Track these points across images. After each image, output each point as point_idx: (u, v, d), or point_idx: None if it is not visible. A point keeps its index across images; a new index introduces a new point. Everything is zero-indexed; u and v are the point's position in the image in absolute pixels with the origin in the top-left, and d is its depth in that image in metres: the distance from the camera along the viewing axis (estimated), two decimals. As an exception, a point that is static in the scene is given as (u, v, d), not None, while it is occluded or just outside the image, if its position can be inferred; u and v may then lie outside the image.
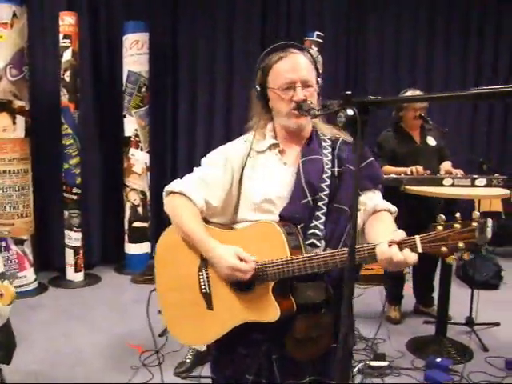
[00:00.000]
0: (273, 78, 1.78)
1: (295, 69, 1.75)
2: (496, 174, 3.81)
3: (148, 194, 5.61)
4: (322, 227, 1.73)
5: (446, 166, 4.07)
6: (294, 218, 1.72)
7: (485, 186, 3.75)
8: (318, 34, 5.75)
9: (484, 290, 4.22)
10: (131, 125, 5.44)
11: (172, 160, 6.09)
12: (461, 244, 1.43)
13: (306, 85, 1.75)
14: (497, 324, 4.18)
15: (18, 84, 4.76)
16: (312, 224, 1.73)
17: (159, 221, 5.92)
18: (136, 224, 5.57)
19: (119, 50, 5.45)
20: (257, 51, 5.71)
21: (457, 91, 1.19)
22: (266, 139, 1.85)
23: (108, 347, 3.84)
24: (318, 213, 1.74)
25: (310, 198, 1.75)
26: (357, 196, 1.29)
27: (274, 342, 1.76)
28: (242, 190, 1.82)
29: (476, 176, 3.79)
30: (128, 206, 5.56)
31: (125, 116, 5.46)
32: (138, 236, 5.59)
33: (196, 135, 6.08)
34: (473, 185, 3.76)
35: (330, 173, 1.78)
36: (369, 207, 1.81)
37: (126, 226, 5.59)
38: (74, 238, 5.16)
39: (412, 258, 1.47)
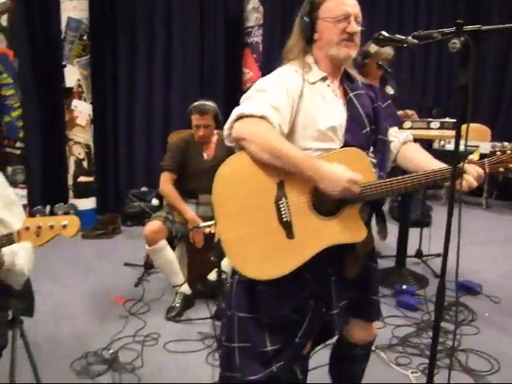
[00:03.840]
0: (328, 9, 1.84)
1: (351, 4, 1.85)
2: (447, 118, 4.17)
3: (92, 147, 5.43)
4: (373, 155, 1.90)
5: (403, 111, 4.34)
6: (359, 146, 1.85)
7: (438, 128, 4.10)
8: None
9: (417, 228, 4.62)
10: (73, 75, 5.20)
11: (113, 111, 5.91)
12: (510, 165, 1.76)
13: (357, 21, 1.86)
14: (439, 255, 4.62)
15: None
16: (369, 152, 1.89)
17: (103, 175, 5.81)
18: (81, 179, 5.40)
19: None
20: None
21: None
22: (313, 71, 1.90)
23: (87, 302, 3.78)
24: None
25: (368, 129, 1.90)
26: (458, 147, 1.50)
27: (336, 264, 1.89)
28: (300, 118, 1.83)
29: (430, 119, 4.12)
30: (72, 160, 5.36)
31: (65, 66, 5.20)
32: (83, 191, 5.43)
33: (137, 85, 5.94)
34: (428, 127, 4.09)
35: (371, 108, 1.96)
36: (401, 139, 2.03)
37: (71, 181, 5.40)
38: (20, 195, 4.91)
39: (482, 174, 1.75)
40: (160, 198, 5.70)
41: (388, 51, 3.95)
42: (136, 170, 6.06)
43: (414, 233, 4.50)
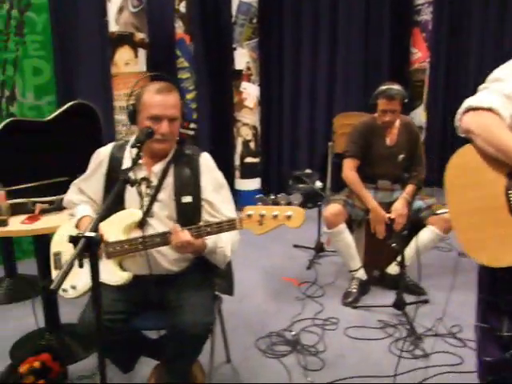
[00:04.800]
0: None
1: None
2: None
3: (259, 128, 5.51)
4: None
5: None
6: None
7: None
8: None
9: None
10: (243, 57, 5.29)
11: (278, 93, 5.94)
12: None
13: None
14: None
15: (138, 16, 4.61)
16: None
17: (267, 156, 5.88)
18: (248, 159, 5.51)
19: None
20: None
21: None
22: None
23: (262, 281, 3.85)
24: None
25: None
26: None
27: None
28: None
29: None
30: (239, 141, 5.48)
31: (235, 48, 5.30)
32: (249, 172, 5.54)
33: (301, 68, 5.91)
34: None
35: None
36: None
37: (238, 162, 5.53)
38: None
39: None
40: (323, 180, 5.69)
41: None
42: (299, 151, 6.06)
43: None
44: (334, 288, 3.70)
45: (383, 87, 3.42)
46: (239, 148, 5.51)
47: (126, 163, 2.13)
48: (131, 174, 1.82)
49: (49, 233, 2.48)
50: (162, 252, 2.12)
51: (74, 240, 1.39)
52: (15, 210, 2.55)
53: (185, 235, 1.94)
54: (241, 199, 5.57)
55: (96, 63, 4.91)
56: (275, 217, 1.84)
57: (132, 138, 2.20)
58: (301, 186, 5.60)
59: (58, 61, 4.43)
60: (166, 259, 2.13)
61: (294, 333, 3.04)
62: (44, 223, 2.52)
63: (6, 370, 2.54)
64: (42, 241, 2.60)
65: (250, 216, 1.87)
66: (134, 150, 1.90)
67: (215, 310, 2.28)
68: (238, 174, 5.56)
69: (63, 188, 2.51)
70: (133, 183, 1.81)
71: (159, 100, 2.03)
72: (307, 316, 3.28)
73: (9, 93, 3.95)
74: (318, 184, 5.60)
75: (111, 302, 2.08)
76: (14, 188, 2.67)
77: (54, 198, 2.66)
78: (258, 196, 1.94)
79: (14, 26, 3.92)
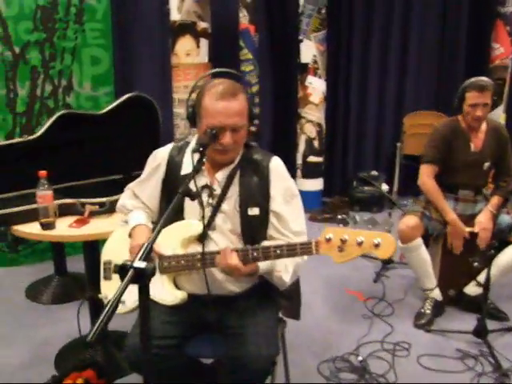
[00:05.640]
0: None
1: None
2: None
3: (324, 126, 5.19)
4: None
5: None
6: None
7: None
8: None
9: None
10: (309, 50, 4.97)
11: (345, 89, 5.59)
12: None
13: None
14: None
15: (201, 4, 4.37)
16: None
17: (331, 155, 5.56)
18: (311, 158, 5.20)
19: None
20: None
21: None
22: None
23: (324, 292, 3.55)
24: None
25: None
26: None
27: None
28: None
29: None
30: (303, 138, 5.17)
31: (301, 40, 4.98)
32: (311, 171, 5.23)
33: (370, 63, 5.52)
34: None
35: None
36: None
37: (300, 161, 5.23)
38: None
39: None
40: (390, 183, 5.33)
41: None
42: (365, 152, 5.68)
43: None
44: (404, 306, 3.35)
45: (471, 79, 3.05)
46: (302, 146, 5.20)
47: (186, 169, 1.88)
48: (192, 184, 1.55)
49: (98, 239, 2.28)
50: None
51: (121, 270, 1.14)
52: (62, 211, 2.34)
53: (231, 258, 1.68)
54: (303, 200, 5.27)
55: (156, 53, 4.71)
56: (360, 244, 1.54)
57: (193, 140, 1.94)
58: (366, 188, 5.27)
59: (117, 50, 4.24)
60: (227, 278, 1.87)
61: (360, 358, 2.73)
62: (93, 228, 2.31)
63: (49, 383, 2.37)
64: (91, 246, 2.39)
65: (330, 240, 1.58)
66: (196, 156, 1.64)
67: (279, 336, 2.00)
68: (299, 173, 5.26)
69: (116, 188, 2.29)
70: (194, 197, 1.55)
71: (221, 107, 1.74)
72: (375, 338, 2.96)
73: (66, 82, 3.78)
74: (385, 187, 5.25)
75: (162, 324, 1.84)
76: (62, 186, 2.47)
77: (104, 199, 2.42)
78: (339, 217, 1.64)
79: (74, 13, 3.75)
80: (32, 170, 2.23)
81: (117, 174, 2.87)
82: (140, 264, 1.13)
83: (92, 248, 2.38)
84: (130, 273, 1.13)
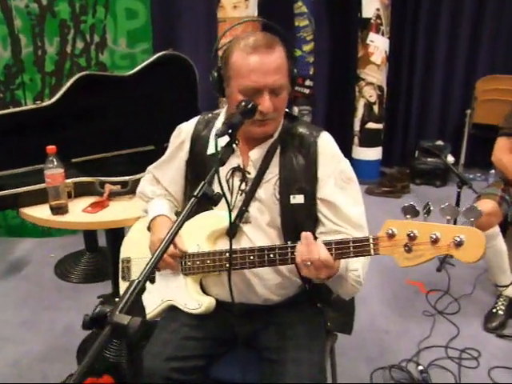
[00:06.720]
0: None
1: None
2: None
3: (385, 89, 4.68)
4: None
5: None
6: None
7: None
8: None
9: None
10: (372, 3, 4.43)
11: (410, 49, 5.03)
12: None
13: None
14: None
15: (251, -51, 3.92)
16: None
17: (392, 122, 5.07)
18: (370, 125, 4.73)
19: None
20: None
21: None
22: None
23: (382, 279, 3.13)
24: None
25: None
26: None
27: None
28: None
29: None
30: (362, 103, 4.69)
31: (364, -7, 4.46)
32: (370, 139, 4.77)
33: (439, 19, 4.92)
34: None
35: None
36: None
37: (357, 127, 4.77)
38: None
39: None
40: (456, 154, 4.81)
41: None
42: (430, 120, 5.14)
43: None
44: (471, 302, 2.92)
45: None
46: (360, 111, 4.73)
47: (213, 149, 1.49)
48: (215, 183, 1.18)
49: (119, 227, 1.94)
50: (260, 274, 1.49)
51: (94, 323, 0.79)
52: (78, 191, 2.00)
53: (324, 252, 1.26)
54: (358, 170, 4.83)
55: (200, 6, 4.31)
56: (435, 242, 1.14)
57: (222, 113, 1.56)
58: (429, 159, 4.77)
59: (155, 2, 3.85)
60: (264, 284, 1.50)
61: (421, 368, 2.34)
62: (112, 213, 1.95)
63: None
64: (114, 234, 2.06)
65: (393, 236, 1.18)
66: (224, 139, 1.26)
67: (327, 357, 1.63)
68: (356, 140, 4.81)
69: (145, 163, 1.93)
70: (216, 201, 1.17)
71: (255, 62, 1.34)
72: (438, 342, 2.55)
73: (99, 39, 3.43)
74: (450, 159, 4.74)
75: (182, 341, 1.50)
76: (78, 160, 2.13)
77: (127, 178, 2.06)
78: (406, 205, 1.22)
79: (107, -42, 3.38)
80: (45, 142, 1.91)
81: (146, 146, 2.52)
82: (121, 319, 0.77)
83: (115, 236, 2.03)
84: (107, 330, 0.77)
